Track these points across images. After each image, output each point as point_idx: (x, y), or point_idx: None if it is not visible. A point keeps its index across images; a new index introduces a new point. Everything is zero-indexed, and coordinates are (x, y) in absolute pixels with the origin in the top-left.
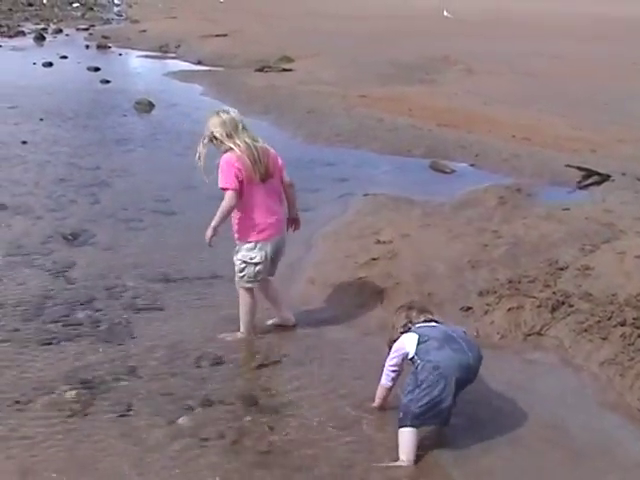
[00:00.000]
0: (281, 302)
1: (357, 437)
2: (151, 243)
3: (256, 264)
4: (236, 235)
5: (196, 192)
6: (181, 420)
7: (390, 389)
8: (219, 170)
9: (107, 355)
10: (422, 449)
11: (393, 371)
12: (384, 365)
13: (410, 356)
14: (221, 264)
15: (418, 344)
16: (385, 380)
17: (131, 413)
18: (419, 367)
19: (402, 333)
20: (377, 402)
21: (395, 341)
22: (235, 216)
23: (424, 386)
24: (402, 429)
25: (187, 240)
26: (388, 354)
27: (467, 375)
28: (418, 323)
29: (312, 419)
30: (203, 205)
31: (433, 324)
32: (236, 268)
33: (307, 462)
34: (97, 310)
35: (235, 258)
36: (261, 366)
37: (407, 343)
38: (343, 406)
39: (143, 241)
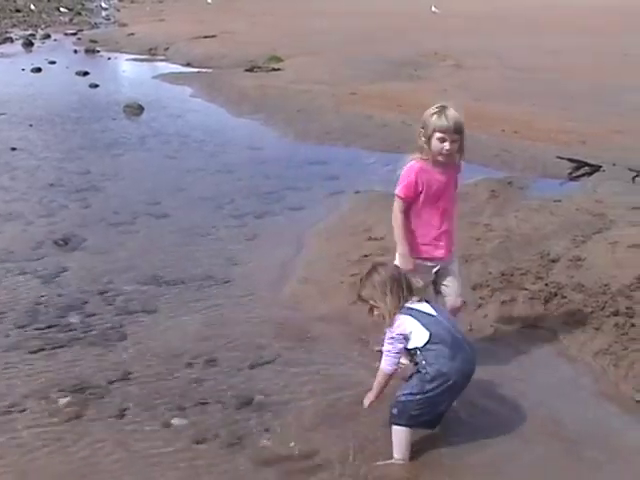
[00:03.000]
0: None
1: (353, 435)
2: (143, 246)
3: None
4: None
5: (187, 194)
6: (176, 422)
7: (391, 376)
8: None
9: (100, 359)
10: (417, 445)
11: (397, 357)
12: (381, 348)
13: (411, 347)
14: (214, 266)
15: (428, 343)
16: (387, 364)
17: (125, 417)
18: (429, 374)
19: (400, 313)
20: (375, 391)
21: (384, 318)
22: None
23: (430, 395)
24: (396, 427)
25: (179, 242)
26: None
27: (468, 381)
28: (408, 302)
29: (307, 418)
30: (194, 207)
31: (430, 311)
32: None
33: (304, 462)
34: (89, 314)
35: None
36: (255, 366)
37: (415, 333)
38: (338, 404)
39: (135, 244)
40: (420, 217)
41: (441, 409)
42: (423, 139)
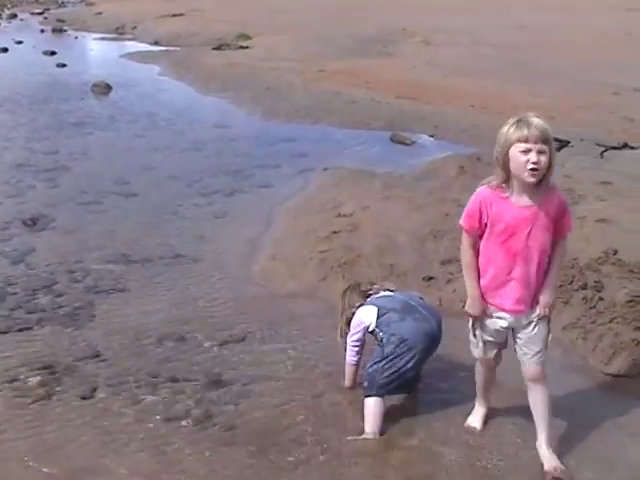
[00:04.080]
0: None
1: (325, 412)
2: (111, 225)
3: None
4: None
5: (156, 173)
6: (147, 400)
7: (357, 364)
8: None
9: (70, 339)
10: (389, 420)
11: (356, 346)
12: (346, 343)
13: (371, 329)
14: (183, 244)
15: (378, 317)
16: (350, 357)
17: (96, 396)
18: (384, 340)
19: (358, 308)
20: (347, 382)
21: (351, 319)
22: None
23: (391, 357)
24: (367, 399)
25: (148, 221)
26: (343, 336)
27: (432, 342)
28: (373, 295)
29: (278, 395)
30: (163, 186)
31: (388, 293)
32: None
33: (275, 438)
34: (59, 294)
35: None
36: (225, 343)
37: (365, 316)
38: (309, 380)
39: (103, 224)
40: (485, 255)
41: (409, 375)
42: (499, 159)
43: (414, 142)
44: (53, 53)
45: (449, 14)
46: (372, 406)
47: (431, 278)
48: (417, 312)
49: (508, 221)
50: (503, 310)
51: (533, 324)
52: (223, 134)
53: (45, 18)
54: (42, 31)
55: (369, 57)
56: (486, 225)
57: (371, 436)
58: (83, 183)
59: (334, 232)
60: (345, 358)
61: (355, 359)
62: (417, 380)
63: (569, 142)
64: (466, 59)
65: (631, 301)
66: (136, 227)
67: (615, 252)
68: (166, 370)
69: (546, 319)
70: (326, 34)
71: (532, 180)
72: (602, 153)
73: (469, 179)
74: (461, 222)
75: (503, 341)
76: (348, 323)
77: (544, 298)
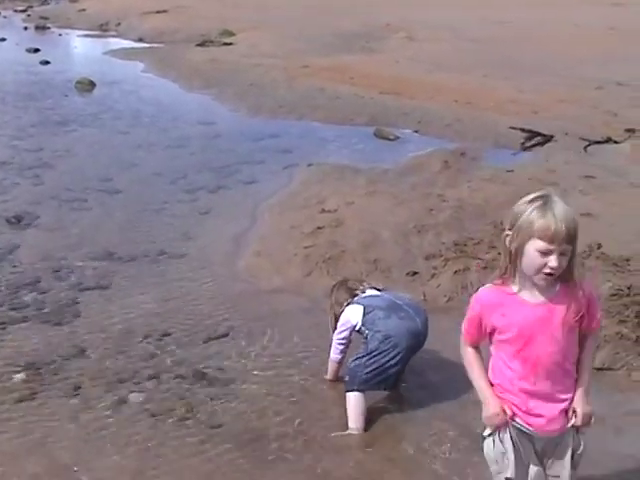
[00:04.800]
0: None
1: (309, 408)
2: (96, 222)
3: None
4: None
5: (140, 170)
6: (131, 397)
7: (340, 362)
8: None
9: (55, 336)
10: (373, 415)
11: (341, 344)
12: (332, 339)
13: (357, 327)
14: (167, 241)
15: (364, 315)
16: (334, 354)
17: (81, 393)
18: (369, 337)
19: (346, 306)
20: (329, 376)
21: (339, 316)
22: None
23: (375, 353)
24: (349, 394)
25: (133, 218)
26: (333, 330)
27: (417, 341)
28: (360, 294)
29: (263, 390)
30: (147, 183)
31: (376, 292)
32: None
33: (259, 434)
34: (43, 292)
35: None
36: (210, 339)
37: (352, 315)
38: (294, 376)
39: (88, 221)
40: (497, 367)
41: (392, 371)
42: (509, 247)
43: (398, 137)
44: (37, 50)
45: (433, 10)
46: (354, 402)
47: (415, 273)
48: (402, 310)
49: (521, 325)
50: (533, 428)
51: (566, 441)
52: (207, 131)
53: (28, 15)
54: (25, 28)
55: (353, 53)
56: (490, 333)
57: (355, 432)
58: (67, 180)
59: (318, 228)
60: (329, 353)
61: (339, 356)
62: (400, 376)
63: (553, 136)
64: (450, 54)
65: (615, 294)
66: (120, 224)
67: (599, 246)
68: (150, 367)
69: (582, 433)
70: (310, 30)
71: (543, 284)
72: (586, 147)
73: (453, 174)
74: (463, 332)
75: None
76: (337, 319)
77: (581, 408)
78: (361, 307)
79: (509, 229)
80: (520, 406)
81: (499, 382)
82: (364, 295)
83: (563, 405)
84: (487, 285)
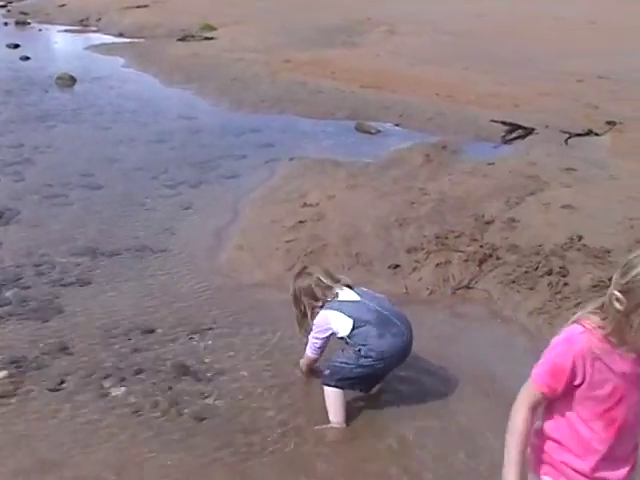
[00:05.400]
0: None
1: (292, 401)
2: (77, 218)
3: None
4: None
5: (121, 165)
6: (115, 392)
7: (317, 360)
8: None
9: (37, 333)
10: (355, 411)
11: (319, 346)
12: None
13: (340, 336)
14: (149, 236)
15: (353, 328)
16: (311, 353)
17: (64, 389)
18: (361, 352)
19: (322, 308)
20: (304, 370)
21: (312, 314)
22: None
23: (365, 367)
24: (328, 389)
25: (114, 213)
26: (300, 327)
27: (405, 354)
28: (335, 295)
29: (246, 384)
30: (129, 178)
31: (354, 298)
32: None
33: (242, 428)
34: (25, 288)
35: None
36: (193, 334)
37: (333, 322)
38: (276, 370)
39: (70, 216)
40: (572, 425)
41: (374, 380)
42: (618, 307)
43: (379, 131)
44: (17, 46)
45: (414, 3)
46: (333, 397)
47: (397, 266)
48: (394, 326)
49: (617, 383)
50: None
51: None
52: (189, 125)
53: (8, 11)
54: (5, 24)
55: (334, 47)
56: (577, 386)
57: (337, 426)
58: (48, 176)
59: (300, 222)
60: (305, 349)
61: (316, 356)
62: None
63: (534, 129)
64: (431, 48)
65: (596, 286)
66: (102, 220)
67: (580, 238)
68: (134, 362)
69: None
70: (291, 24)
71: None
72: (567, 140)
73: (434, 167)
74: (535, 378)
75: None
76: (305, 315)
77: None
78: (350, 321)
79: (622, 292)
80: (582, 470)
81: (559, 438)
82: (339, 300)
83: (628, 468)
84: (576, 327)
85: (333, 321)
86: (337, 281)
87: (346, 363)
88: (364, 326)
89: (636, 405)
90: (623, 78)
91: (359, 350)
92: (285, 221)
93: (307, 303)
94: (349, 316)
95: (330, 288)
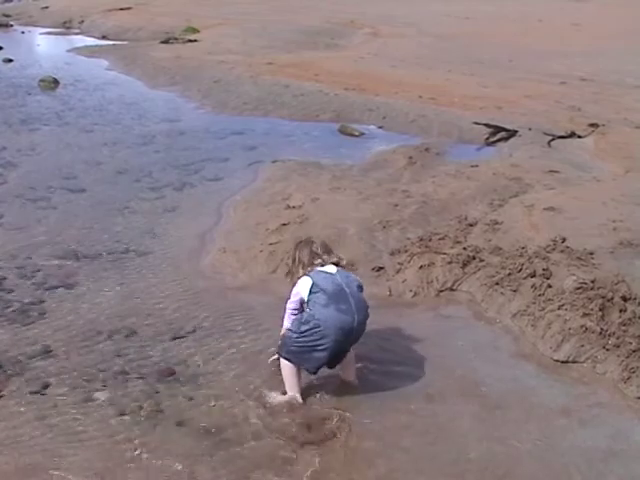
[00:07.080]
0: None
1: (274, 403)
2: (61, 221)
3: None
4: None
5: (104, 168)
6: (99, 395)
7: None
8: None
9: (20, 336)
10: (325, 393)
11: (293, 314)
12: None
13: (304, 300)
14: (133, 238)
15: (310, 292)
16: (286, 321)
17: (47, 392)
18: (304, 317)
19: (303, 275)
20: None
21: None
22: None
23: (303, 336)
24: (283, 360)
25: (97, 216)
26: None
27: (346, 337)
28: (319, 265)
29: (229, 386)
30: (112, 181)
31: (331, 270)
32: None
33: (226, 429)
34: (8, 291)
35: None
36: (176, 337)
37: (302, 288)
38: (260, 371)
39: (52, 219)
40: None
41: (317, 355)
42: None
43: (362, 133)
44: None
45: (397, 6)
46: (287, 370)
47: (381, 268)
48: (345, 302)
49: None
50: None
51: None
52: (172, 128)
53: None
54: None
55: (318, 49)
56: None
57: (292, 399)
58: (31, 179)
59: (284, 224)
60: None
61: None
62: (342, 359)
63: (517, 131)
64: (414, 50)
65: (579, 288)
66: (85, 223)
67: (563, 240)
68: (117, 364)
69: None
70: (274, 27)
71: None
72: (550, 142)
73: (418, 169)
74: None
75: None
76: (296, 272)
77: None
78: (310, 282)
79: None
80: None
81: None
82: (320, 269)
83: None
84: None
85: (302, 285)
86: (329, 254)
87: (290, 330)
88: (318, 292)
89: None
90: (606, 80)
91: (302, 316)
92: (269, 223)
93: (299, 263)
94: (312, 280)
95: (319, 257)
